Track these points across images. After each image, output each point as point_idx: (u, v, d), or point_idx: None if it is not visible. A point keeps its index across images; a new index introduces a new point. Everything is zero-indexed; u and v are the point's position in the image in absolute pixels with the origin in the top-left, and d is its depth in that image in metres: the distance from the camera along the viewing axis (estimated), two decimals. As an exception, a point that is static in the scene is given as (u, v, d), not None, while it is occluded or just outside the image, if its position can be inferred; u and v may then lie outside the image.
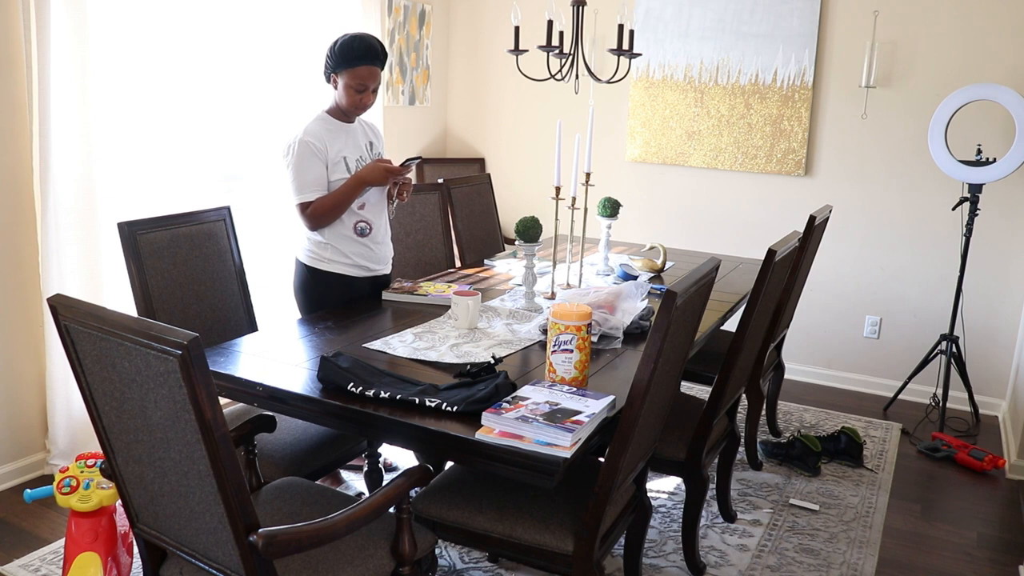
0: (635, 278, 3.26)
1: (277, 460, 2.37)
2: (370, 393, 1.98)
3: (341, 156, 2.78)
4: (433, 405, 1.93)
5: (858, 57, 4.26)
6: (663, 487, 3.29)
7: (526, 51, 3.20)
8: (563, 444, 1.76)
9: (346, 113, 2.82)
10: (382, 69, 2.77)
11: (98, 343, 1.56)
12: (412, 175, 2.94)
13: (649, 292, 3.03)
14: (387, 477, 3.03)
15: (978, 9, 4.01)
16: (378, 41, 2.74)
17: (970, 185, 3.84)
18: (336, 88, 2.77)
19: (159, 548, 1.81)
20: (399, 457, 3.40)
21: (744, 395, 3.26)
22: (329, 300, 2.86)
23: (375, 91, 2.78)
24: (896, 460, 3.67)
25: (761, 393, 3.34)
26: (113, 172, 3.24)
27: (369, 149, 2.91)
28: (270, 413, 2.23)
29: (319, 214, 2.76)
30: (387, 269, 3.02)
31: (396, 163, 2.86)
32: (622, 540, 2.39)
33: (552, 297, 2.98)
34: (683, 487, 2.70)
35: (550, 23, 3.14)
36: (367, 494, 2.12)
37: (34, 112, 2.93)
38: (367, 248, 2.89)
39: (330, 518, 1.67)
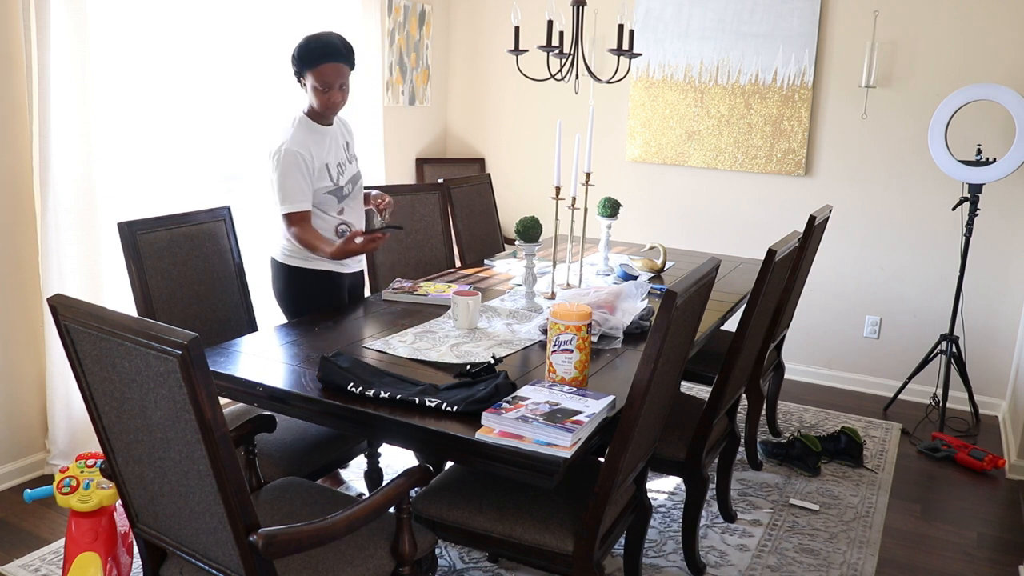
0: (635, 278, 3.26)
1: (277, 460, 2.37)
2: (370, 393, 1.98)
3: (324, 164, 2.79)
4: (433, 405, 1.93)
5: (858, 57, 4.26)
6: (663, 487, 3.29)
7: (526, 51, 3.20)
8: (563, 444, 1.76)
9: (321, 114, 2.81)
10: (348, 64, 2.73)
11: (98, 343, 1.56)
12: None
13: (649, 292, 3.03)
14: (386, 478, 3.03)
15: (978, 9, 4.01)
16: (339, 37, 2.71)
17: (970, 185, 3.84)
18: (307, 91, 2.76)
19: (159, 548, 1.81)
20: (399, 457, 3.40)
21: (744, 395, 3.26)
22: (311, 297, 2.86)
23: (343, 87, 2.74)
24: (896, 460, 3.67)
25: (761, 393, 3.34)
26: (113, 172, 3.24)
27: (346, 150, 2.92)
28: (270, 413, 2.23)
29: (300, 240, 2.72)
30: (361, 267, 3.09)
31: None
32: (622, 540, 2.39)
33: (552, 297, 2.98)
34: (683, 487, 2.70)
35: (550, 23, 3.14)
36: (367, 494, 2.12)
37: (34, 112, 2.93)
38: None
39: (330, 518, 1.67)
